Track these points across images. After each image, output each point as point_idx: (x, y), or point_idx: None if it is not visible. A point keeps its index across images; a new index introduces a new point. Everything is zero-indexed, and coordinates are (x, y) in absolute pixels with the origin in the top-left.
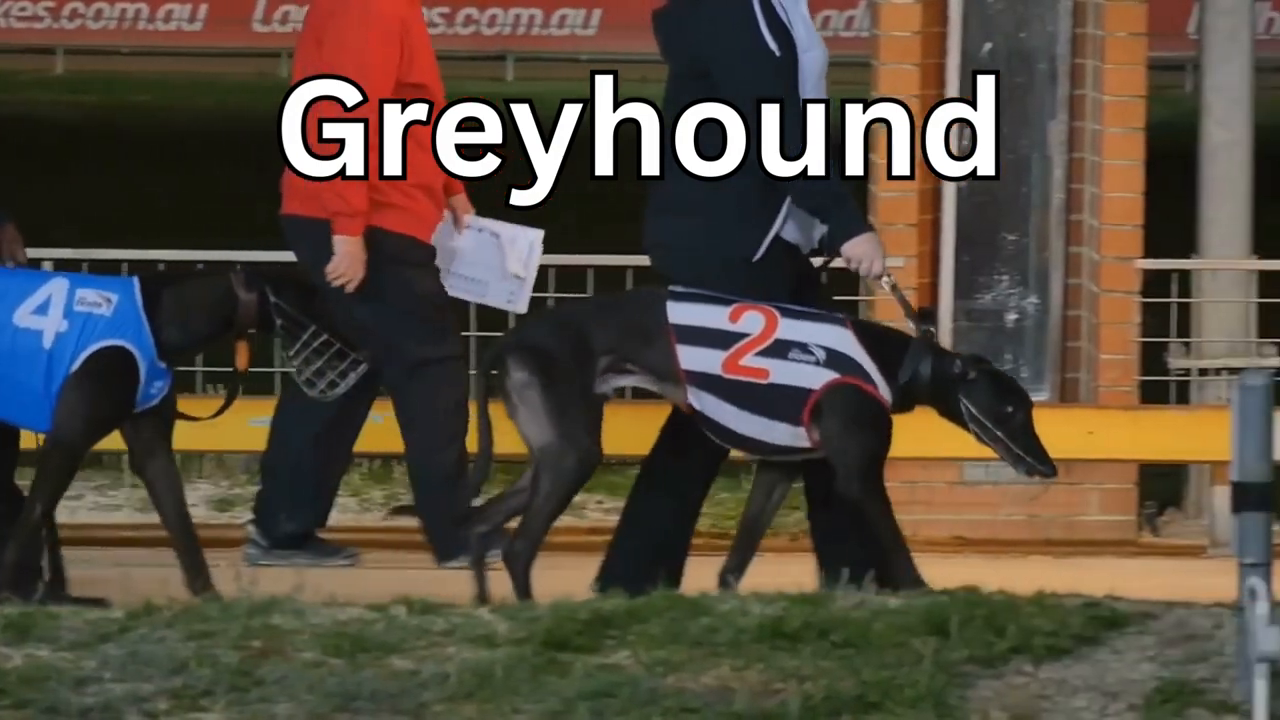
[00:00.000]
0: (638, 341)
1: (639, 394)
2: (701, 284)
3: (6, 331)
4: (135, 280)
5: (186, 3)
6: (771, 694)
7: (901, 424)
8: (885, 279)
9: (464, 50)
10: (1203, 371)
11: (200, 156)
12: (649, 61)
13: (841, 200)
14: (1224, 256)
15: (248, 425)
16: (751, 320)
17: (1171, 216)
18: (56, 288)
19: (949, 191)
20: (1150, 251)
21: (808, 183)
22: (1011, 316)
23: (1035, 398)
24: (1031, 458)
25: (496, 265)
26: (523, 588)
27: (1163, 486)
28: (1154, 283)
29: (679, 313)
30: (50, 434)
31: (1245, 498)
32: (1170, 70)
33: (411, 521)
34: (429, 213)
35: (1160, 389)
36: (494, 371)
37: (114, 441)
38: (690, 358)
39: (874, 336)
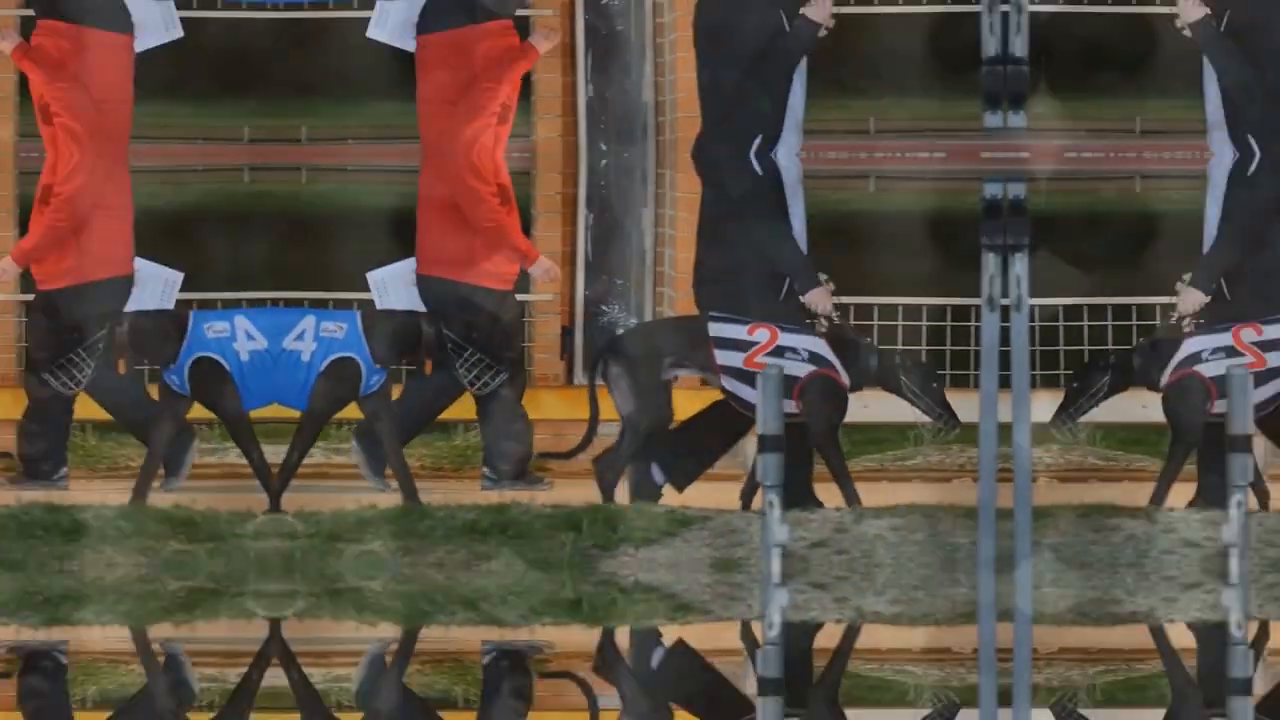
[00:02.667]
0: (692, 346)
1: None
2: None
3: (283, 355)
4: (357, 314)
5: None
6: None
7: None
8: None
9: None
10: None
11: None
12: None
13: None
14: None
15: None
16: (761, 334)
17: None
18: (308, 323)
19: (581, 237)
20: None
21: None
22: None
23: None
24: (948, 414)
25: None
26: (609, 494)
27: None
28: None
29: (715, 328)
30: (307, 409)
31: None
32: None
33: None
34: None
35: None
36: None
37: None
38: (723, 357)
39: (841, 342)
